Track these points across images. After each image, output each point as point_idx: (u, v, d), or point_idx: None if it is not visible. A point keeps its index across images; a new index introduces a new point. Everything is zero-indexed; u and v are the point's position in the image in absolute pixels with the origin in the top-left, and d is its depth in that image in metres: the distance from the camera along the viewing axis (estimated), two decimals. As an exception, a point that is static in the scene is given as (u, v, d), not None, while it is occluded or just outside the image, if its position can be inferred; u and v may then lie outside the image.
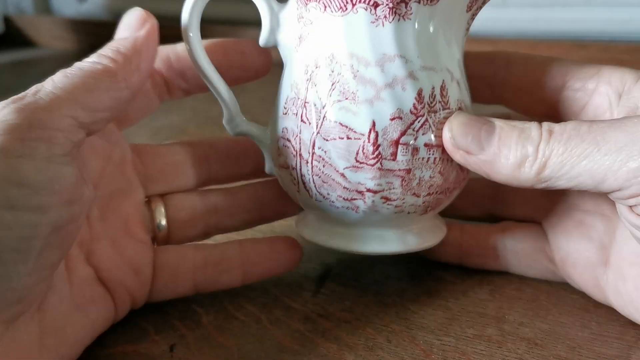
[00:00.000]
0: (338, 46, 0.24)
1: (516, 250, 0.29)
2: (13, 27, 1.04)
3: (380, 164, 0.23)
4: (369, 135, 0.23)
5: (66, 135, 0.20)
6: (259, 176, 0.31)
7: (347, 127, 0.23)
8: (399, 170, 0.24)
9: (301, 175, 0.25)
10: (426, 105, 0.23)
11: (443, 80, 0.24)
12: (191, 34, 0.27)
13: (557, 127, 0.22)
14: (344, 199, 0.25)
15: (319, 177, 0.24)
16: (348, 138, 0.23)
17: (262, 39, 0.27)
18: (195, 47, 0.26)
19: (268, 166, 0.29)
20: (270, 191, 0.30)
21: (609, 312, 0.27)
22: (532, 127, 0.22)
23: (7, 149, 0.18)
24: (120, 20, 0.25)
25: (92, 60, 0.23)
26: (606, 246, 0.26)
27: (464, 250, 0.30)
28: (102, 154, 0.26)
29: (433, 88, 0.24)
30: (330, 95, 0.24)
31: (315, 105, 0.24)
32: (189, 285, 0.27)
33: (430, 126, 0.24)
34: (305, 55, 0.25)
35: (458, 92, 0.25)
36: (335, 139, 0.24)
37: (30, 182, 0.19)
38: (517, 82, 0.27)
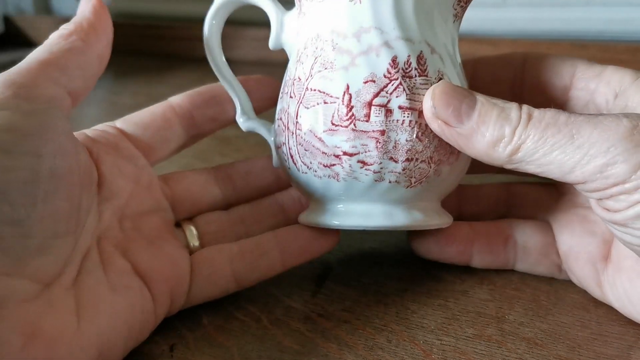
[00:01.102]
0: (322, 26, 0.26)
1: (526, 245, 0.29)
2: (13, 27, 1.04)
3: (354, 124, 0.24)
4: (342, 97, 0.24)
5: (43, 90, 0.22)
6: (281, 188, 0.32)
7: (324, 92, 0.25)
8: (373, 131, 0.24)
9: (289, 148, 0.26)
10: (400, 71, 0.24)
11: (421, 51, 0.25)
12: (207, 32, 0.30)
13: (536, 112, 0.22)
14: (324, 165, 0.25)
15: (302, 145, 0.26)
16: (325, 102, 0.25)
17: (271, 43, 0.29)
18: (213, 44, 0.30)
19: (275, 160, 0.30)
20: (288, 194, 0.32)
21: (609, 312, 0.27)
22: (512, 107, 0.23)
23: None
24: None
25: (55, 36, 0.25)
26: (608, 241, 0.27)
27: (475, 248, 0.30)
28: (130, 175, 0.27)
29: (409, 56, 0.24)
30: (312, 68, 0.25)
31: (300, 79, 0.26)
32: (229, 276, 0.27)
33: (404, 89, 0.24)
34: (298, 43, 0.27)
35: (440, 64, 0.25)
36: (314, 105, 0.25)
37: (20, 128, 0.20)
38: (531, 82, 0.28)
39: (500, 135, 0.22)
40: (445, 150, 0.25)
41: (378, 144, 0.24)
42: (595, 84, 0.26)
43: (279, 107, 0.28)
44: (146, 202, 0.27)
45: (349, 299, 0.29)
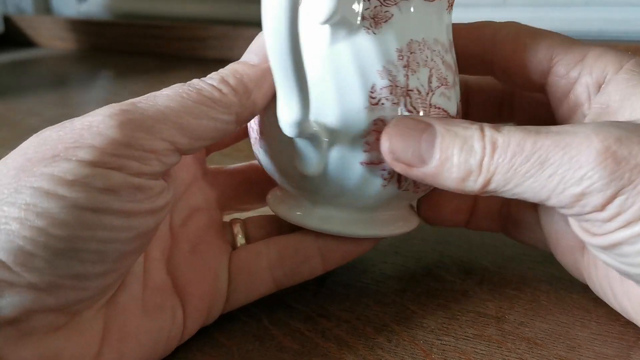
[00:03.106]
0: (425, 31, 0.24)
1: (517, 217, 0.29)
2: (13, 27, 1.04)
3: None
4: (457, 117, 0.25)
5: (160, 158, 0.20)
6: None
7: (446, 112, 0.24)
8: None
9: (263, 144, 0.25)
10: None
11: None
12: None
13: (500, 139, 0.20)
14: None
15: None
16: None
17: (330, 9, 0.22)
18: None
19: (316, 167, 0.24)
20: None
21: (609, 312, 0.27)
22: (474, 137, 0.21)
23: (99, 161, 0.19)
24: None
25: (212, 84, 0.22)
26: None
27: (476, 212, 0.30)
28: (189, 166, 0.27)
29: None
30: (431, 82, 0.24)
31: (419, 92, 0.24)
32: (269, 282, 0.27)
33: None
34: (391, 39, 0.23)
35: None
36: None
37: (117, 190, 0.19)
38: (504, 62, 0.26)
39: (467, 170, 0.21)
40: None
41: None
42: (577, 72, 0.24)
43: (371, 115, 0.23)
44: (198, 197, 0.27)
45: (349, 299, 0.29)
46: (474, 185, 0.21)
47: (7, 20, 1.04)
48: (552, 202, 0.20)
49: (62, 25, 1.00)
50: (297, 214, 0.26)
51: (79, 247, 0.18)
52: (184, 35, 0.88)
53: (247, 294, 0.27)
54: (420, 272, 0.31)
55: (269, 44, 0.20)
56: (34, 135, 0.20)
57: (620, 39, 0.68)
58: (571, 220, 0.22)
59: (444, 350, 0.25)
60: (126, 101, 0.21)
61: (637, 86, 0.22)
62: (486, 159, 0.21)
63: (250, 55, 0.24)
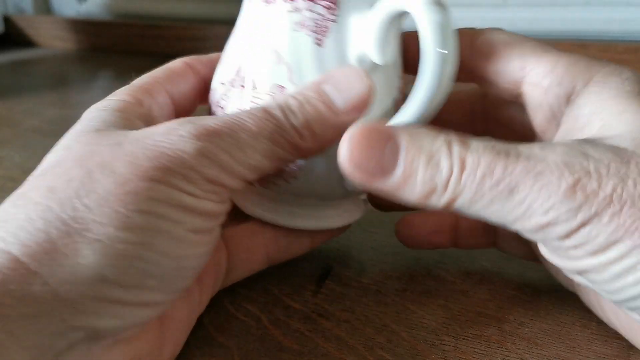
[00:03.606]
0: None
1: (504, 231, 0.28)
2: (13, 27, 1.04)
3: None
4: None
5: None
6: None
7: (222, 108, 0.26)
8: None
9: None
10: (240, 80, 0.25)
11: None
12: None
13: (469, 158, 0.20)
14: None
15: None
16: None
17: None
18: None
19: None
20: None
21: (609, 312, 0.27)
22: (441, 153, 0.20)
23: (172, 182, 0.20)
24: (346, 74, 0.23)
25: (296, 125, 0.22)
26: None
27: (460, 233, 0.30)
28: None
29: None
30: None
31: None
32: (263, 258, 0.28)
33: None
34: None
35: (283, 76, 0.24)
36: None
37: (191, 208, 0.20)
38: (481, 71, 0.25)
39: (431, 188, 0.20)
40: None
41: None
42: (548, 82, 0.23)
43: None
44: None
45: (349, 299, 0.29)
46: (437, 202, 0.20)
47: (7, 20, 1.03)
48: (516, 227, 0.20)
49: (62, 25, 1.00)
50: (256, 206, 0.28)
51: (186, 266, 0.20)
52: (184, 35, 0.87)
53: (244, 270, 0.28)
54: (420, 272, 0.31)
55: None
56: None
57: (620, 39, 0.68)
58: (539, 243, 0.22)
59: (444, 350, 0.25)
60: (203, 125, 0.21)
61: (607, 100, 0.22)
62: (453, 179, 0.20)
63: (335, 93, 0.23)
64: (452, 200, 0.20)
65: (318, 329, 0.26)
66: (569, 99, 0.23)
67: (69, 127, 0.24)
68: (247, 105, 0.25)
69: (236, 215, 0.28)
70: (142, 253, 0.19)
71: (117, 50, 0.93)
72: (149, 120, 0.25)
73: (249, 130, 0.21)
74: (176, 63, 0.29)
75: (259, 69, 0.25)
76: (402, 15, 0.22)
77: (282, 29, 0.24)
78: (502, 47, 0.25)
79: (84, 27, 0.98)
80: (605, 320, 0.26)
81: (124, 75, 0.88)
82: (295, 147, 0.22)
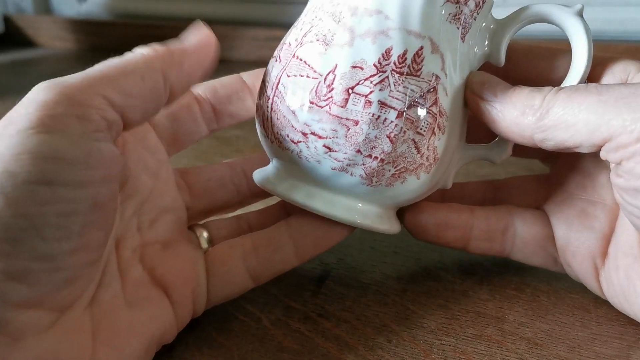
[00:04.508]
0: None
1: (525, 236, 0.29)
2: (13, 27, 1.04)
3: (330, 107, 0.23)
4: (326, 77, 0.23)
5: (99, 112, 0.20)
6: None
7: (310, 66, 0.24)
8: (347, 119, 0.23)
9: (263, 112, 0.26)
10: (392, 64, 0.23)
11: (421, 47, 0.23)
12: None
13: (568, 87, 0.23)
14: (291, 140, 0.24)
15: (275, 112, 0.25)
16: (307, 77, 0.24)
17: None
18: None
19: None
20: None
21: (609, 312, 0.27)
22: (545, 88, 0.23)
23: (39, 125, 0.18)
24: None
25: (133, 51, 0.23)
26: (607, 236, 0.26)
27: (474, 234, 0.29)
28: (152, 170, 0.26)
29: (405, 51, 0.23)
30: (305, 36, 0.24)
31: (290, 44, 0.25)
32: (244, 273, 0.27)
33: (389, 84, 0.23)
34: (306, 7, 0.26)
35: (438, 66, 0.24)
36: (296, 76, 0.24)
37: (65, 156, 0.18)
38: (520, 75, 0.27)
39: (530, 104, 0.23)
40: (414, 159, 0.24)
41: (348, 132, 0.23)
42: (598, 72, 0.25)
43: (267, 68, 0.27)
44: (163, 200, 0.27)
45: (349, 299, 0.29)
46: (531, 118, 0.23)
47: (7, 20, 1.04)
48: (601, 130, 0.21)
49: (62, 25, 1.00)
50: (284, 187, 0.26)
51: (38, 224, 0.18)
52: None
53: (226, 286, 0.27)
54: (420, 272, 0.31)
55: None
56: None
57: (620, 39, 0.68)
58: (612, 169, 0.23)
59: (444, 350, 0.25)
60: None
61: None
62: (549, 95, 0.23)
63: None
64: (545, 113, 0.23)
65: (318, 329, 0.26)
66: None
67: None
68: (403, 91, 0.24)
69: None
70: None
71: (117, 50, 0.92)
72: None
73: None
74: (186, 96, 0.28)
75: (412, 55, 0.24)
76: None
77: (435, 19, 0.24)
78: (545, 51, 0.27)
79: (84, 27, 0.98)
80: (631, 314, 0.26)
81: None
82: (144, 61, 0.22)
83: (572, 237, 0.27)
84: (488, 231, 0.29)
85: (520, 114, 0.23)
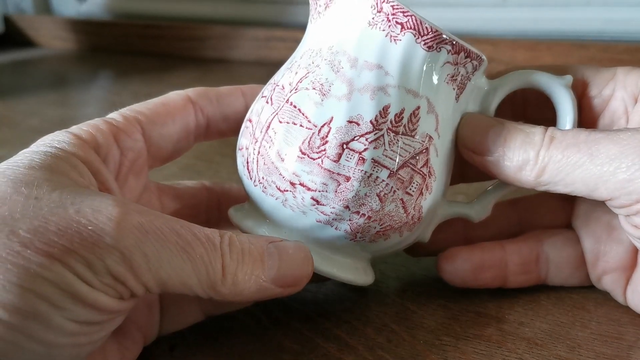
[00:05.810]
0: (328, 41, 0.24)
1: (558, 260, 0.28)
2: (13, 27, 1.04)
3: (322, 160, 0.23)
4: (320, 129, 0.23)
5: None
6: None
7: (304, 114, 0.23)
8: (338, 174, 0.23)
9: (249, 154, 0.25)
10: (389, 122, 0.23)
11: (418, 107, 0.23)
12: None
13: (558, 133, 0.23)
14: (277, 187, 0.24)
15: (263, 157, 0.24)
16: (301, 125, 0.23)
17: None
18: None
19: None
20: None
21: (609, 312, 0.27)
22: (536, 132, 0.23)
23: (70, 264, 0.18)
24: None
25: (214, 241, 0.21)
26: (635, 248, 0.26)
27: (510, 270, 0.28)
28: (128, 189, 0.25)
29: (403, 110, 0.23)
30: (301, 82, 0.24)
31: (283, 88, 0.24)
32: (197, 313, 0.26)
33: (384, 143, 0.23)
34: (299, 49, 0.26)
35: (432, 127, 0.24)
36: (289, 123, 0.23)
37: (81, 297, 0.18)
38: (537, 96, 0.27)
39: (525, 159, 0.23)
40: (400, 218, 0.24)
41: (339, 188, 0.23)
42: (610, 90, 0.25)
43: (253, 106, 0.26)
44: None
45: (349, 299, 0.29)
46: (529, 174, 0.23)
47: (7, 20, 1.03)
48: (599, 192, 0.22)
49: (62, 25, 1.00)
50: (262, 231, 0.25)
51: (57, 355, 0.18)
52: (184, 35, 0.87)
53: (176, 324, 0.26)
54: (420, 272, 0.31)
55: None
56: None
57: (620, 39, 0.68)
58: (621, 219, 0.23)
59: (444, 350, 0.25)
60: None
61: None
62: (542, 150, 0.23)
63: (274, 261, 0.22)
64: (541, 171, 0.23)
65: (318, 329, 0.26)
66: (635, 99, 0.25)
67: (69, 127, 0.24)
68: (397, 151, 0.23)
69: None
70: (7, 332, 0.17)
71: (117, 50, 0.92)
72: (95, 170, 0.22)
73: (177, 243, 0.19)
74: (176, 97, 0.27)
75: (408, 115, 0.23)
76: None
77: (434, 79, 0.24)
78: (551, 68, 0.27)
79: (84, 27, 0.98)
80: None
81: (124, 75, 0.88)
82: (212, 284, 0.20)
83: (601, 252, 0.27)
84: (522, 264, 0.28)
85: (518, 170, 0.24)
